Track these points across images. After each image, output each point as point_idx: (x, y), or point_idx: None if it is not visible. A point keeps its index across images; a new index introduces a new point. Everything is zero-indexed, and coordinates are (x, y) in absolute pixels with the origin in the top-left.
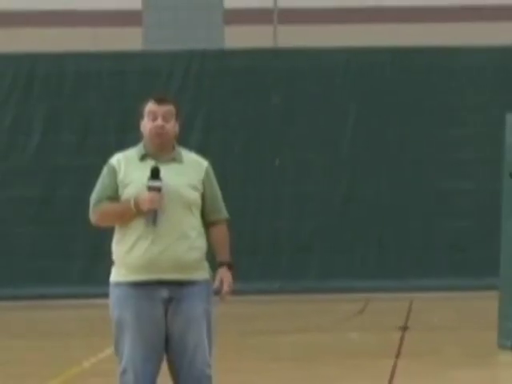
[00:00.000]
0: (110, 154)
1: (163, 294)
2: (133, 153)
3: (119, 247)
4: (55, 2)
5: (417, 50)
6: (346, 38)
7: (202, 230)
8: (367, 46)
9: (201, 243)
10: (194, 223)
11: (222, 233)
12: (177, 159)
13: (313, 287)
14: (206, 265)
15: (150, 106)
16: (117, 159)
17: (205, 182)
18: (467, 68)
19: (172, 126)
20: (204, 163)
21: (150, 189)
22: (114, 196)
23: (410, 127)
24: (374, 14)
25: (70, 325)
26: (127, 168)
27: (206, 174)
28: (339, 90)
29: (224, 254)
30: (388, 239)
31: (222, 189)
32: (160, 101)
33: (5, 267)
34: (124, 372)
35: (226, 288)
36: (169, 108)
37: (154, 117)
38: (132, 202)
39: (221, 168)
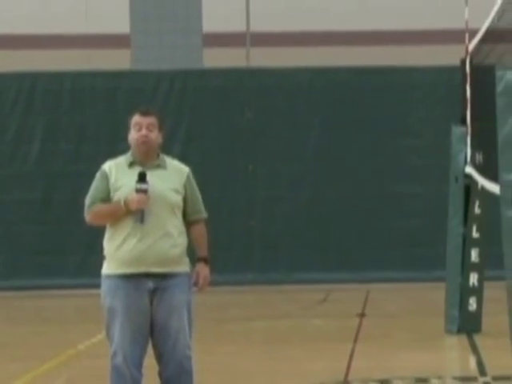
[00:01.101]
0: (102, 161)
1: (149, 285)
2: (122, 160)
3: (110, 243)
4: (53, 26)
5: (373, 69)
6: (310, 58)
7: (183, 228)
8: (329, 66)
9: (182, 241)
10: (176, 223)
11: (200, 231)
12: (161, 166)
13: (281, 279)
14: (186, 259)
15: (136, 118)
16: (108, 166)
17: (186, 186)
18: (418, 86)
19: (155, 136)
20: (185, 169)
21: (138, 191)
22: (106, 198)
23: (367, 138)
24: (335, 38)
25: (66, 312)
26: (117, 174)
27: (187, 178)
28: (304, 106)
29: (202, 251)
30: (348, 237)
31: (201, 192)
32: (144, 113)
33: (9, 261)
34: (114, 354)
35: (201, 281)
36: (152, 119)
37: (139, 127)
38: (122, 203)
39: (200, 174)
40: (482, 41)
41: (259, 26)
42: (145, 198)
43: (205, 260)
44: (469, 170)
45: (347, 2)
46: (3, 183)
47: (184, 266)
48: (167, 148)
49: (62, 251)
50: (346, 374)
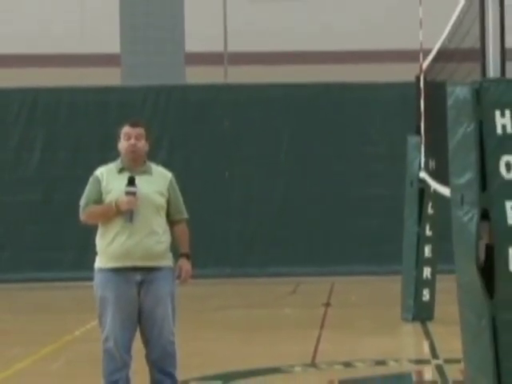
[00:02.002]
0: (95, 167)
1: (137, 277)
2: (112, 166)
3: (102, 240)
4: (52, 47)
5: (338, 85)
6: (281, 76)
7: (167, 227)
8: (298, 82)
9: (166, 238)
10: (160, 222)
11: (182, 230)
12: (147, 171)
13: (255, 273)
14: (170, 255)
15: (125, 129)
16: (100, 171)
17: (169, 189)
18: (378, 100)
19: (143, 145)
20: (169, 175)
21: (128, 193)
22: (99, 200)
23: (333, 147)
24: (303, 57)
25: (64, 302)
26: (108, 178)
27: (171, 183)
28: (276, 117)
29: (184, 247)
30: (315, 235)
31: (183, 195)
32: (133, 124)
33: (12, 256)
34: (106, 339)
35: (183, 274)
36: (140, 130)
37: (128, 137)
38: (113, 204)
39: (183, 178)
40: (435, 60)
41: (236, 46)
42: (134, 199)
43: (186, 255)
44: (422, 175)
45: (313, 26)
46: (7, 186)
47: (168, 261)
48: (153, 155)
49: (59, 247)
50: (314, 357)
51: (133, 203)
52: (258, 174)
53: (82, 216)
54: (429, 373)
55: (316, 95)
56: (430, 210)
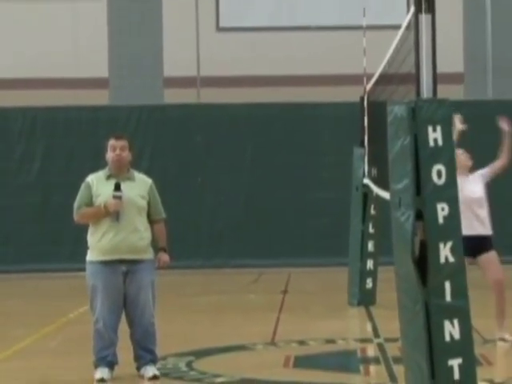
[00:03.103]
0: (87, 174)
1: (122, 268)
2: (101, 174)
3: (92, 237)
4: (50, 72)
5: (294, 104)
6: (246, 96)
7: (148, 226)
8: (261, 102)
9: (147, 235)
10: (142, 221)
11: (161, 228)
12: (131, 178)
13: (223, 264)
14: (150, 249)
15: (111, 142)
16: (91, 178)
17: (150, 193)
18: (328, 117)
19: (127, 155)
20: (149, 181)
21: (114, 197)
22: (90, 203)
23: (291, 157)
24: (266, 80)
25: (60, 290)
26: (98, 184)
27: (151, 188)
28: (242, 132)
29: (162, 242)
30: (275, 231)
31: (161, 198)
32: (118, 137)
33: (15, 250)
34: (96, 321)
35: (161, 265)
36: (124, 142)
37: (113, 148)
38: (102, 206)
39: (161, 184)
40: (376, 83)
41: (207, 71)
42: (120, 202)
43: (164, 249)
44: (366, 181)
45: (274, 52)
46: (12, 191)
47: (149, 254)
48: (136, 164)
49: (56, 243)
50: (273, 336)
51: (119, 206)
52: (226, 180)
53: (76, 217)
54: (371, 350)
55: (276, 113)
56: (372, 211)
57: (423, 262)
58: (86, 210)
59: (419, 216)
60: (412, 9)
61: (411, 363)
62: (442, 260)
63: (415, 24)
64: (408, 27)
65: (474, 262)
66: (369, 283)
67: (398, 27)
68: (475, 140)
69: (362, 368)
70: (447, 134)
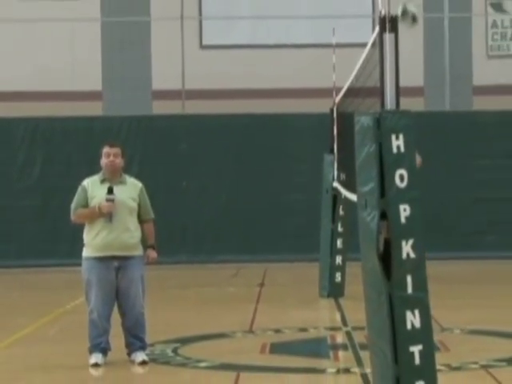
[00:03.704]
0: (83, 178)
1: (115, 264)
2: (96, 178)
3: (88, 236)
4: (49, 85)
5: (271, 116)
6: (227, 108)
7: (138, 225)
8: (241, 113)
9: (137, 234)
10: (133, 221)
11: (150, 227)
12: (123, 182)
13: (206, 260)
14: (140, 246)
15: (105, 149)
16: (86, 182)
17: (140, 195)
18: (301, 127)
19: (119, 161)
20: (139, 184)
21: (108, 200)
22: (85, 205)
23: (267, 163)
24: (245, 93)
25: (58, 283)
26: (93, 187)
27: (141, 190)
28: (223, 140)
29: (151, 240)
30: (253, 230)
31: (150, 200)
32: (111, 145)
33: (18, 248)
34: (91, 311)
35: (150, 261)
36: (117, 150)
37: (107, 155)
38: (97, 208)
39: (150, 187)
40: (345, 96)
41: (191, 85)
42: (112, 205)
43: (153, 246)
44: (335, 184)
45: (253, 68)
46: (14, 194)
47: (139, 251)
48: (127, 169)
49: (55, 241)
50: (251, 325)
51: (111, 208)
52: (208, 184)
53: (73, 217)
54: (340, 337)
55: (254, 123)
56: (341, 212)
57: (387, 257)
58: (81, 211)
59: (383, 216)
60: (377, 28)
61: (376, 349)
62: (404, 256)
63: (380, 42)
64: (373, 45)
65: None
66: (338, 277)
67: (364, 45)
68: (433, 147)
69: (331, 354)
70: (409, 141)
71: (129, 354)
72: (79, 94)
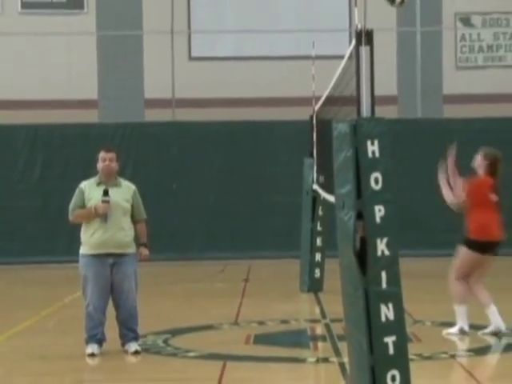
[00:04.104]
0: (80, 181)
1: (110, 261)
2: (92, 181)
3: (84, 234)
4: (47, 94)
5: (254, 122)
6: (215, 115)
7: (131, 225)
8: (227, 120)
9: (131, 233)
10: (127, 221)
11: (142, 227)
12: (118, 184)
13: (196, 257)
14: (133, 244)
15: (101, 154)
16: (84, 184)
17: (133, 197)
18: (283, 133)
19: (114, 165)
20: (133, 187)
21: (103, 201)
22: (82, 206)
23: (252, 166)
24: (233, 101)
25: (57, 278)
26: (89, 189)
27: (134, 192)
28: (210, 145)
29: (143, 239)
30: (239, 229)
31: (143, 201)
32: (107, 150)
33: (20, 246)
34: (87, 305)
35: (143, 258)
36: (112, 154)
37: (103, 159)
38: (93, 209)
39: (143, 189)
40: (324, 104)
41: (181, 94)
42: (108, 206)
43: (145, 245)
44: (315, 186)
45: (238, 78)
46: (16, 195)
47: (132, 249)
48: (121, 172)
49: (54, 239)
50: (237, 317)
51: (107, 209)
52: (197, 186)
53: (71, 217)
54: (319, 329)
55: (239, 130)
56: (320, 212)
57: (363, 255)
58: (79, 212)
59: (360, 216)
60: (354, 42)
61: (353, 340)
62: (379, 253)
63: (356, 54)
64: (350, 57)
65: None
66: (317, 273)
67: (341, 57)
68: (406, 151)
69: (311, 344)
70: (383, 147)
71: (123, 345)
72: (76, 103)
